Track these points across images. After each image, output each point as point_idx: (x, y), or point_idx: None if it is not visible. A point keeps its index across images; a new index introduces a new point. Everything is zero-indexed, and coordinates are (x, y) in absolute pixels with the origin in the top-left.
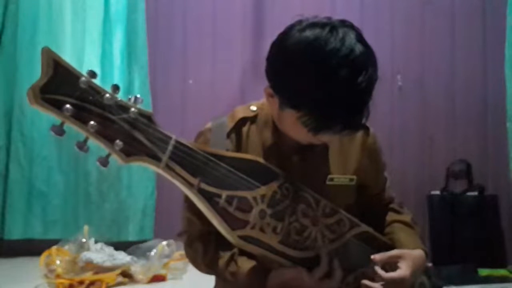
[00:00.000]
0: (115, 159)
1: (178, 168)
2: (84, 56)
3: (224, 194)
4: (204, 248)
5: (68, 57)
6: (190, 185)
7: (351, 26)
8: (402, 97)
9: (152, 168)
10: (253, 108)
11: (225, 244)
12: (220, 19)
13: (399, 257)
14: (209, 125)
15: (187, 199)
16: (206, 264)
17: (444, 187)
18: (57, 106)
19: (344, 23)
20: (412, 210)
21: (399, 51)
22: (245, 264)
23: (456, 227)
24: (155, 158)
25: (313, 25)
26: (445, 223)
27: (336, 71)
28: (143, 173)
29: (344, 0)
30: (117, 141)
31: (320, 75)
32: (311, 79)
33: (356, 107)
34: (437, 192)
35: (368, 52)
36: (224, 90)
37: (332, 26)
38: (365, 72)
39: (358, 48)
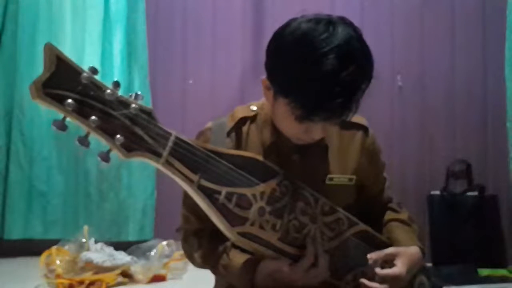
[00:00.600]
0: (116, 155)
1: (178, 164)
2: (84, 56)
3: (224, 190)
4: (199, 242)
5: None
6: (190, 181)
7: (350, 24)
8: (402, 97)
9: (152, 164)
10: (253, 108)
11: (220, 239)
12: (220, 19)
13: (395, 255)
14: (209, 124)
15: (185, 196)
16: (200, 258)
17: (444, 187)
18: (59, 100)
19: (343, 20)
20: (412, 210)
21: (399, 51)
22: (237, 257)
23: (456, 227)
24: (155, 154)
25: (311, 19)
26: (445, 223)
27: (326, 60)
28: (143, 173)
29: (344, 0)
30: (118, 136)
31: (309, 62)
32: (300, 66)
33: (342, 98)
34: (437, 192)
35: (364, 50)
36: (224, 90)
37: (330, 21)
38: (356, 66)
39: (353, 43)
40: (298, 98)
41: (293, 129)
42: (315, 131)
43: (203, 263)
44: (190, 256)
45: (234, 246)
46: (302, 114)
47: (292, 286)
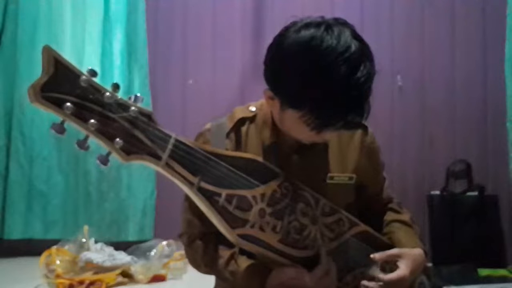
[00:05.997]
0: (116, 158)
1: (178, 167)
2: (84, 56)
3: (224, 193)
4: (204, 247)
5: (68, 57)
6: (190, 183)
7: (345, 24)
8: (402, 97)
9: (152, 166)
10: (252, 108)
11: (226, 244)
12: (220, 19)
13: (398, 256)
14: (208, 125)
15: (187, 199)
16: (205, 264)
17: (444, 187)
18: (57, 104)
19: (338, 21)
20: (412, 210)
21: (399, 51)
22: (245, 264)
23: (456, 227)
24: (155, 156)
25: (308, 25)
26: (445, 223)
27: (334, 68)
28: (143, 173)
29: (344, 0)
30: (117, 139)
31: (318, 73)
32: (309, 77)
33: (356, 102)
34: (437, 192)
35: (364, 48)
36: (224, 90)
37: (327, 24)
38: (363, 67)
39: (354, 44)
40: (313, 111)
41: (305, 134)
42: (329, 132)
43: (208, 269)
44: (194, 261)
45: (242, 252)
46: (318, 125)
47: None
